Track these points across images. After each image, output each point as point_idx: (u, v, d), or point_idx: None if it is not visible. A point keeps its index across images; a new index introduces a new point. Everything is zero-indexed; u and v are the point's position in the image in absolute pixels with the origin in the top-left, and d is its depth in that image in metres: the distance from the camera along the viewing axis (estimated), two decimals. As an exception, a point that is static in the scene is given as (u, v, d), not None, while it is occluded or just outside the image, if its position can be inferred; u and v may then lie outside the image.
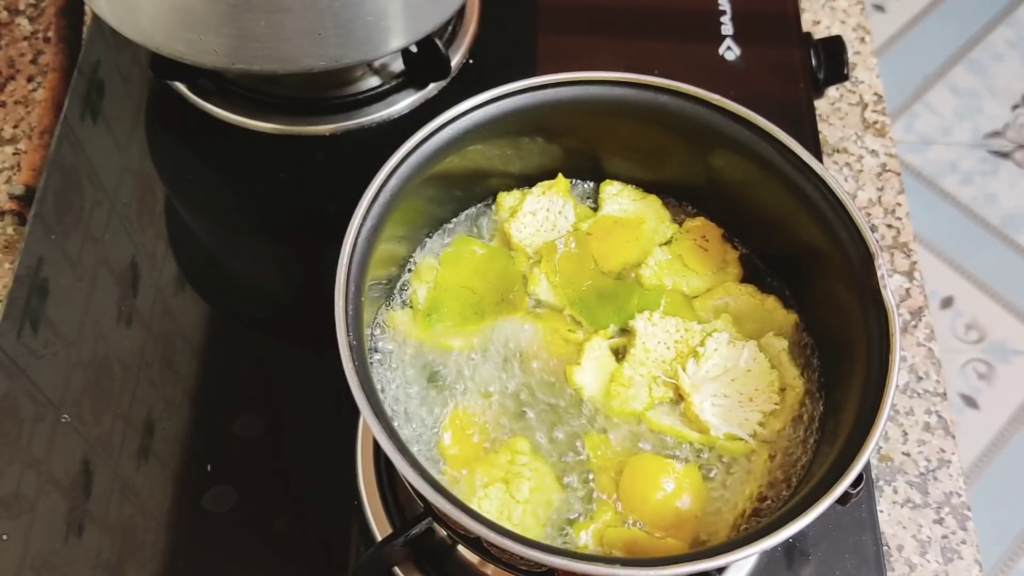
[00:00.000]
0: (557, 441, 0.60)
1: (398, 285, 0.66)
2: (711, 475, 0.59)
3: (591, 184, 0.71)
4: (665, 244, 0.68)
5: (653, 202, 0.69)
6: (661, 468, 0.58)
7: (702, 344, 0.62)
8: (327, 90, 0.86)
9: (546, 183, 0.69)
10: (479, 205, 0.70)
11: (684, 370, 0.61)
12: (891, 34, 2.16)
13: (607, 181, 0.70)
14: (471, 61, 0.90)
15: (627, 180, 0.70)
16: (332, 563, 0.67)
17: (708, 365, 0.61)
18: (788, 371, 0.62)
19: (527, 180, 0.70)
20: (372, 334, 0.63)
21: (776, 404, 0.61)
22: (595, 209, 0.70)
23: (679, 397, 0.61)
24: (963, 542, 0.72)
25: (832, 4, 1.01)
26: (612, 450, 0.59)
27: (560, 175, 0.69)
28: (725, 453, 0.60)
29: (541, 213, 0.68)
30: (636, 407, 0.61)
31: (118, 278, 0.78)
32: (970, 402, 1.74)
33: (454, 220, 0.69)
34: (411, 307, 0.65)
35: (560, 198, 0.68)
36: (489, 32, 0.92)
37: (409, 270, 0.67)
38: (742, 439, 0.60)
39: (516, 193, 0.69)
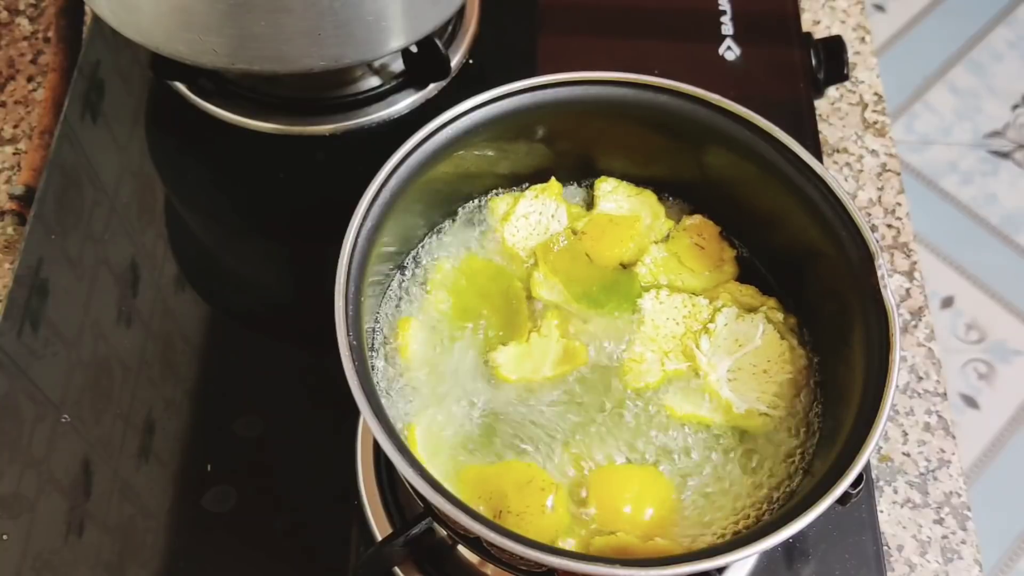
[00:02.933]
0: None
1: (394, 284, 0.66)
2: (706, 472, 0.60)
3: (590, 183, 0.71)
4: (662, 241, 0.68)
5: (648, 197, 0.69)
6: (627, 477, 0.58)
7: (712, 320, 0.62)
8: (327, 90, 0.86)
9: (539, 186, 0.69)
10: (476, 204, 0.70)
11: (698, 347, 0.61)
12: (891, 34, 2.16)
13: (601, 178, 0.70)
14: (471, 61, 0.90)
15: (626, 179, 0.70)
16: (332, 563, 0.67)
17: (720, 340, 0.62)
18: (790, 340, 0.63)
19: (526, 179, 0.70)
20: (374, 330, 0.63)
21: (790, 374, 0.61)
22: (591, 208, 0.70)
23: (693, 373, 0.62)
24: (963, 542, 0.72)
25: (832, 4, 1.01)
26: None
27: (552, 178, 0.69)
28: (748, 429, 0.60)
29: (534, 216, 0.68)
30: (649, 380, 0.61)
31: (118, 278, 0.78)
32: (970, 402, 1.74)
33: (452, 220, 0.69)
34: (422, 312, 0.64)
35: (553, 201, 0.68)
36: (489, 32, 0.92)
37: (404, 267, 0.66)
38: (765, 413, 0.60)
39: (509, 197, 0.69)
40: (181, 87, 0.85)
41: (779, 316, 0.64)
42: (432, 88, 0.87)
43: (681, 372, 0.62)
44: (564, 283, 0.65)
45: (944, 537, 0.72)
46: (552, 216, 0.68)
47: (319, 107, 0.86)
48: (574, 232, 0.68)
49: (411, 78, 0.86)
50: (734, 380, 0.61)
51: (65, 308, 0.76)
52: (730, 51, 0.91)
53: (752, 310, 0.64)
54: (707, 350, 0.62)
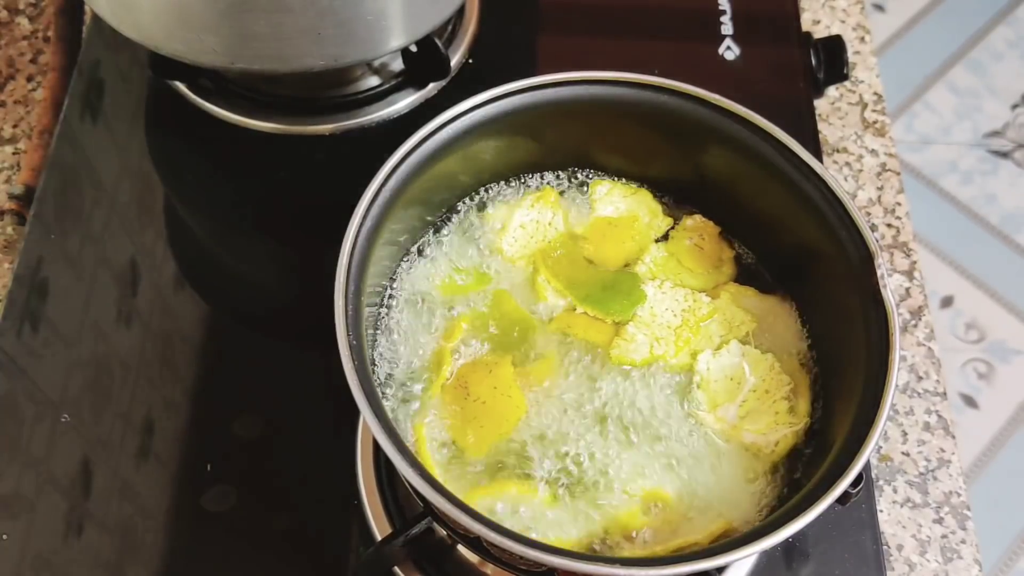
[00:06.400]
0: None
1: (391, 287, 0.66)
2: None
3: (587, 184, 0.71)
4: (661, 240, 0.68)
5: (644, 196, 0.70)
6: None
7: (693, 370, 0.62)
8: (327, 90, 0.86)
9: (535, 194, 0.69)
10: (474, 203, 0.69)
11: (714, 413, 0.61)
12: (891, 34, 2.16)
13: (596, 181, 0.70)
14: (471, 61, 0.90)
15: (625, 179, 0.70)
16: (332, 563, 0.67)
17: (715, 387, 0.62)
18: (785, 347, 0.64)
19: (525, 178, 0.70)
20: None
21: (789, 384, 0.61)
22: (588, 211, 0.70)
23: (690, 366, 0.63)
24: (963, 542, 0.72)
25: (832, 4, 1.01)
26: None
27: (548, 186, 0.69)
28: (784, 454, 0.60)
29: (531, 225, 0.68)
30: (635, 359, 0.62)
31: (118, 278, 0.78)
32: (970, 402, 1.74)
33: (450, 221, 0.69)
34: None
35: (549, 209, 0.68)
36: (489, 32, 0.92)
37: (393, 279, 0.66)
38: (788, 433, 0.60)
39: (505, 207, 0.69)
40: (181, 87, 0.85)
41: (751, 329, 0.64)
42: (432, 88, 0.87)
43: (665, 355, 0.62)
44: (567, 287, 0.65)
45: (944, 537, 0.72)
46: (549, 224, 0.68)
47: (319, 107, 0.86)
48: (573, 237, 0.68)
49: (411, 78, 0.86)
50: (745, 417, 0.60)
51: (65, 308, 0.76)
52: (730, 51, 0.91)
53: (725, 339, 0.64)
54: (704, 402, 0.61)
